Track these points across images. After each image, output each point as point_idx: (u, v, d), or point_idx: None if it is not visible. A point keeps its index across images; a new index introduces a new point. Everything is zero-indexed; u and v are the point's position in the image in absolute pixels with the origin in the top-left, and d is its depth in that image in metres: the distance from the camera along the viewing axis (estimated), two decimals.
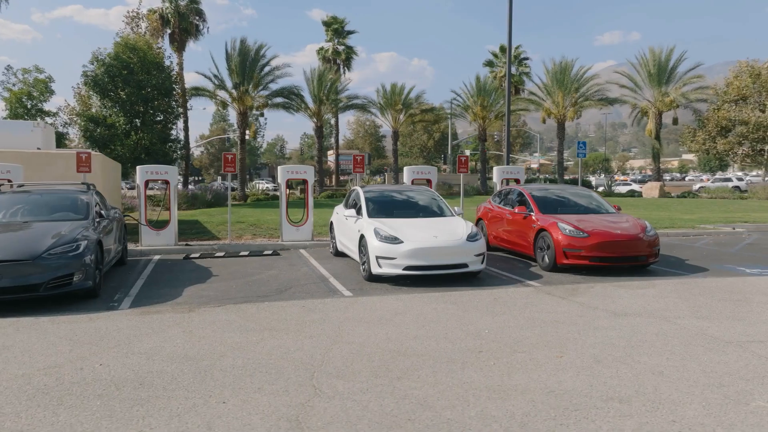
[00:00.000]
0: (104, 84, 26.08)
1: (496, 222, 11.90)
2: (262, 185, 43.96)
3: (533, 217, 10.39)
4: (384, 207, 9.94)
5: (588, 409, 4.08)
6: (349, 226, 10.07)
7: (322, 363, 5.08)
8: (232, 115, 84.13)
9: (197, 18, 36.56)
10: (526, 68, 45.01)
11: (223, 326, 6.30)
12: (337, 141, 47.22)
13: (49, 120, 32.58)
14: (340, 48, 45.00)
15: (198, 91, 33.82)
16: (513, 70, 45.00)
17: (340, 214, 11.12)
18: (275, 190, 41.74)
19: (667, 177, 79.17)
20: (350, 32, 45.72)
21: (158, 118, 27.83)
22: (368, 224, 9.10)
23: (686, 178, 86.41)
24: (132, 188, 34.17)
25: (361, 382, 4.61)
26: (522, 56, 45.56)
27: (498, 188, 14.07)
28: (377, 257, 8.52)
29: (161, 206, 13.36)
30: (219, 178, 71.21)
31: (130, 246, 11.84)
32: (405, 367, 4.96)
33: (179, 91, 30.88)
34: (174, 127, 29.15)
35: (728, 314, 6.76)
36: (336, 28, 44.71)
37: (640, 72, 38.04)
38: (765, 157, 38.62)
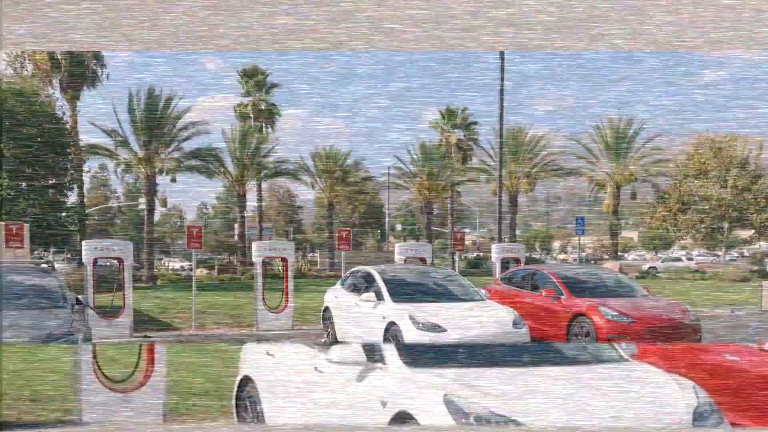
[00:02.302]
0: None
1: (508, 305, 12.42)
2: (174, 264, 42.50)
3: (563, 301, 11.03)
4: (407, 290, 10.21)
5: None
6: (365, 312, 10.19)
7: None
8: (114, 180, 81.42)
9: (95, 62, 36.09)
10: (474, 134, 47.38)
11: None
12: (260, 211, 46.79)
13: None
14: (263, 105, 45.54)
15: (95, 149, 32.96)
16: (461, 135, 47.48)
17: (341, 298, 11.22)
18: (190, 269, 40.40)
19: (607, 257, 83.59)
20: (274, 85, 46.47)
21: (50, 182, 26.82)
22: (397, 310, 9.33)
23: (628, 257, 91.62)
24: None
25: None
26: (469, 120, 48.06)
27: (497, 269, 14.75)
28: None
29: (114, 288, 12.83)
30: None
31: None
32: None
33: (74, 148, 30.02)
34: (70, 192, 28.16)
35: None
36: (258, 81, 45.27)
37: (598, 143, 41.41)
38: (725, 235, 42.61)
